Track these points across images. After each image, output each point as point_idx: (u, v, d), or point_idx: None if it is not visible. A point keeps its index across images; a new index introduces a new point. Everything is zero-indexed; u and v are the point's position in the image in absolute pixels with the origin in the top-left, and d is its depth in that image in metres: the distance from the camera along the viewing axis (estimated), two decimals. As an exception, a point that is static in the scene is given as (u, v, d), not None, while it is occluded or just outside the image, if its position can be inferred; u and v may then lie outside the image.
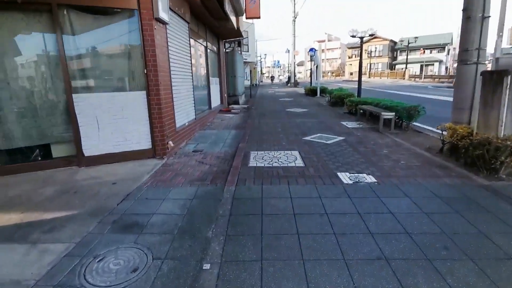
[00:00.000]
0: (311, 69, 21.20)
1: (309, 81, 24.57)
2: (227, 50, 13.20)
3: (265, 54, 60.72)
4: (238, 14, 9.16)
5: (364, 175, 3.87)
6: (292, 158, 4.68)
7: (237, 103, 13.34)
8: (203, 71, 8.82)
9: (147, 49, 4.41)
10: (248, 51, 34.51)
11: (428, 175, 3.85)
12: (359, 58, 10.35)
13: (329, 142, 5.79)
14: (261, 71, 59.67)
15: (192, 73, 6.76)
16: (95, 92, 4.33)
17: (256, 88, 29.56)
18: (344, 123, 7.90)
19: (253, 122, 8.38)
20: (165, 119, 4.82)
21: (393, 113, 6.79)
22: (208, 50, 9.30)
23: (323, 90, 17.13)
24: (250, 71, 38.85)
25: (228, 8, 7.29)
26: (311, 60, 20.14)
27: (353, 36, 9.41)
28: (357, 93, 10.38)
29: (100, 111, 4.33)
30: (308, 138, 6.17)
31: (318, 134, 6.48)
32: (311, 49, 19.76)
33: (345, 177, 3.79)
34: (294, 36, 29.56)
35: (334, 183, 3.60)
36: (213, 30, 9.76)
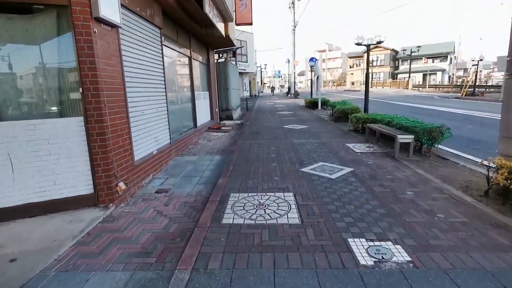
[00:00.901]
0: (311, 79, 20.09)
1: (310, 91, 23.50)
2: (219, 61, 12.10)
3: (265, 64, 60.07)
4: (226, 19, 8.05)
5: (389, 244, 2.59)
6: (285, 207, 3.41)
7: (230, 118, 12.14)
8: (185, 85, 7.65)
9: (83, 59, 3.20)
10: (246, 61, 33.64)
11: (485, 244, 2.56)
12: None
13: (333, 176, 4.51)
14: (261, 81, 58.86)
15: (165, 87, 5.57)
16: (6, 120, 3.11)
17: (255, 100, 28.48)
18: (350, 145, 6.64)
19: (243, 143, 7.14)
20: (114, 153, 3.59)
21: (412, 136, 5.53)
22: (193, 61, 8.16)
23: (325, 103, 15.95)
24: (250, 81, 37.94)
25: (210, 10, 6.15)
26: (311, 70, 19.05)
27: (358, 44, 8.26)
28: (363, 108, 9.14)
29: (16, 145, 3.11)
30: (307, 169, 4.90)
31: (320, 164, 5.21)
32: (311, 59, 18.71)
33: (361, 250, 2.50)
34: (294, 46, 28.64)
35: (345, 265, 2.31)
36: (200, 38, 8.65)
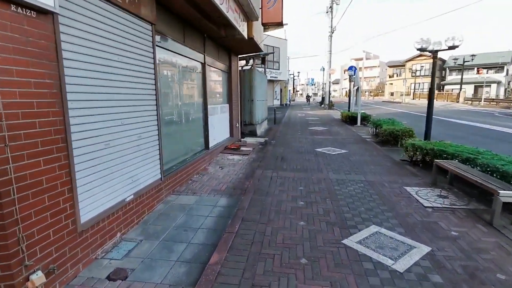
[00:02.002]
0: (349, 90, 17.96)
1: (346, 102, 21.33)
2: (244, 68, 10.61)
3: (299, 72, 58.13)
4: (249, 17, 6.50)
5: None
6: None
7: (253, 134, 10.55)
8: (195, 97, 6.19)
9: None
10: (278, 69, 32.13)
11: None
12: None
13: (399, 266, 2.68)
14: (293, 89, 57.01)
15: (157, 103, 4.10)
16: None
17: (285, 110, 26.76)
18: (412, 192, 4.69)
19: (263, 177, 5.48)
20: (27, 223, 2.12)
21: (523, 192, 3.51)
22: (208, 68, 6.70)
23: (365, 118, 13.82)
24: (281, 90, 36.34)
25: (222, 1, 4.62)
26: (350, 81, 16.97)
27: (421, 50, 6.26)
28: (424, 133, 7.05)
29: None
30: (353, 241, 3.10)
31: (373, 230, 3.38)
32: (350, 68, 16.64)
33: None
34: (330, 53, 26.61)
35: None
36: (218, 41, 7.20)
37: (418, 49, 6.28)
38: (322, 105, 32.65)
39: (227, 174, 5.80)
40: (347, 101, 21.56)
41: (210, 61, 6.84)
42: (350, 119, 14.57)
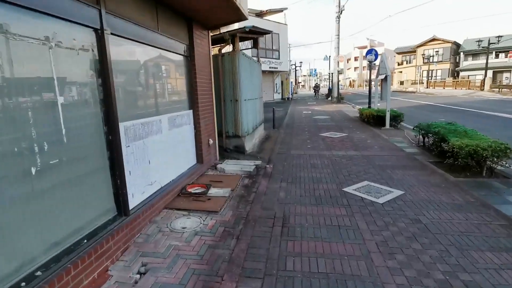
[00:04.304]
0: (369, 80, 14.21)
1: (354, 93, 17.63)
2: (224, 53, 6.97)
3: (301, 62, 54.05)
4: None
5: None
6: None
7: (241, 150, 7.00)
8: (78, 107, 2.64)
9: None
10: (279, 58, 28.31)
11: None
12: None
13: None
14: (295, 81, 53.01)
15: None
16: None
17: (288, 105, 23.08)
18: None
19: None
20: None
21: None
22: (119, 42, 3.17)
23: (396, 117, 10.19)
24: (282, 82, 32.52)
25: None
26: (369, 68, 13.27)
27: None
28: None
29: None
30: None
31: None
32: (370, 51, 13.01)
33: None
34: (338, 38, 22.77)
35: None
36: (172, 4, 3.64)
37: None
38: (329, 98, 28.91)
39: (143, 305, 2.29)
40: (354, 92, 17.85)
41: (128, 28, 3.28)
42: (373, 119, 10.92)
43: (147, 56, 3.92)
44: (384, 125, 10.18)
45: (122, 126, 3.13)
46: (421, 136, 7.35)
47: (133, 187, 3.31)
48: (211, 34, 6.23)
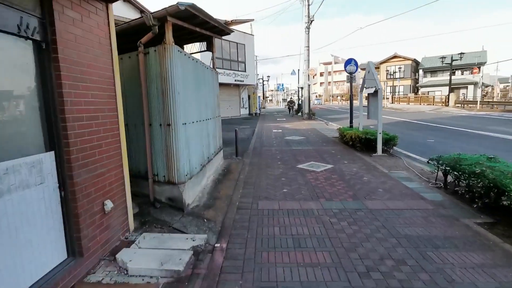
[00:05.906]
0: (350, 95, 12.26)
1: (322, 109, 15.62)
2: (147, 50, 4.36)
3: (268, 76, 52.77)
4: None
5: None
6: None
7: (178, 206, 4.30)
8: None
9: None
10: (245, 71, 26.20)
11: None
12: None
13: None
14: (263, 95, 51.40)
15: None
16: None
17: (255, 122, 20.76)
18: None
19: None
20: None
21: None
22: None
23: (389, 141, 8.15)
24: (249, 96, 30.36)
25: None
26: (350, 81, 11.36)
27: None
28: None
29: None
30: None
31: None
32: (349, 61, 11.13)
33: None
34: (308, 49, 21.20)
35: None
36: None
37: None
38: (299, 114, 27.20)
39: None
40: (322, 107, 16.01)
41: None
42: (360, 143, 8.80)
43: None
44: (374, 151, 8.08)
45: None
46: (440, 172, 5.21)
47: None
48: (122, 17, 3.61)
